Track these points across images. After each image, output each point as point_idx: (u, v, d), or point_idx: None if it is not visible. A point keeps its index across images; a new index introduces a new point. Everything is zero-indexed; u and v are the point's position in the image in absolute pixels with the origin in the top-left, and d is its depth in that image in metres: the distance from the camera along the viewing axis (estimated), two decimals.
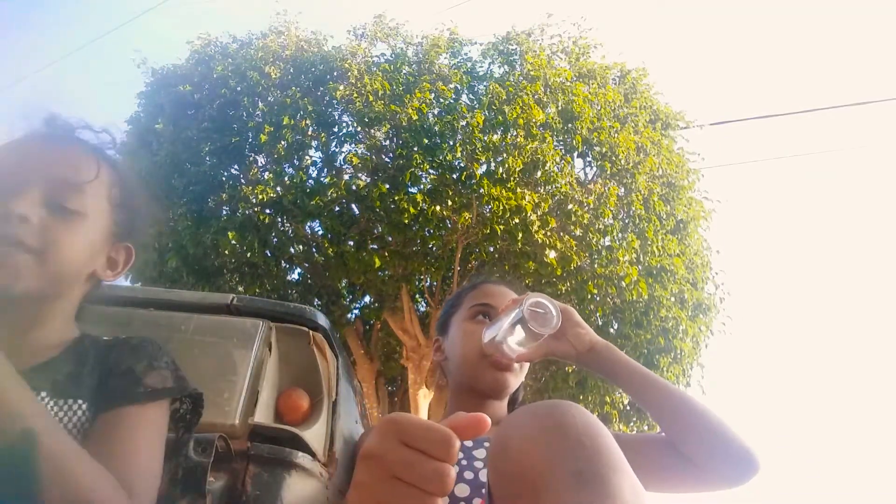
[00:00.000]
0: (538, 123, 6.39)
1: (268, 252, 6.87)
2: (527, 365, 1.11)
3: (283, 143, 6.59)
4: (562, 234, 6.38)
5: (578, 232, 6.42)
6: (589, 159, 7.09)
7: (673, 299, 6.91)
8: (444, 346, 1.19)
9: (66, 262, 0.70)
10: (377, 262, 6.51)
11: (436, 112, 6.72)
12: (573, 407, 0.57)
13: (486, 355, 1.04)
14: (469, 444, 0.92)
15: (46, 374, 0.67)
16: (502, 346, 0.99)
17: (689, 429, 0.89)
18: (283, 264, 7.45)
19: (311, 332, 1.08)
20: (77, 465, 0.55)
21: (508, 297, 1.14)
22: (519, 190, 6.11)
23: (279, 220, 6.80)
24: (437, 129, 6.45)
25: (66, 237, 0.69)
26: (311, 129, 6.75)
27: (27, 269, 0.65)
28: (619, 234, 6.60)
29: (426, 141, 6.32)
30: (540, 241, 6.08)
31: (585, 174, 7.24)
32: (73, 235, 0.70)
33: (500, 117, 6.37)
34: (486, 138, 6.32)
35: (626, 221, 6.81)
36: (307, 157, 7.10)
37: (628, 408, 7.37)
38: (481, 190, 6.05)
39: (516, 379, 1.09)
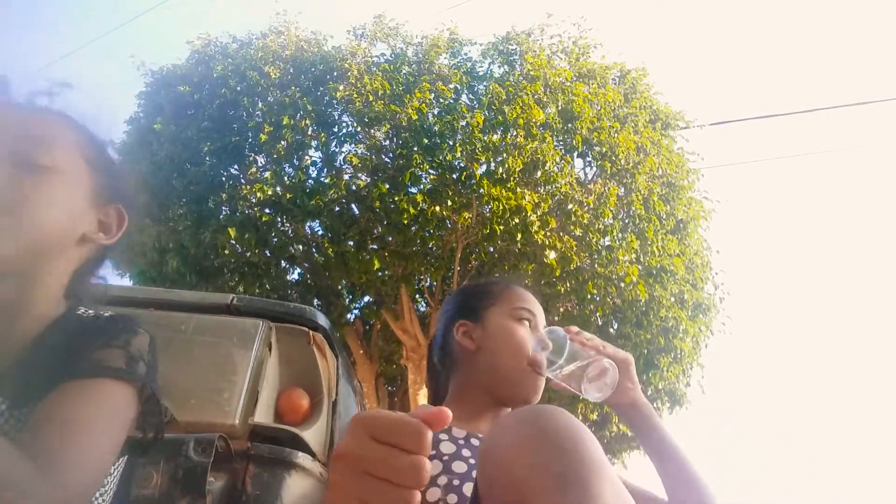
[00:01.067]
0: (538, 123, 6.38)
1: (268, 252, 6.87)
2: None
3: (282, 142, 6.59)
4: (562, 234, 6.37)
5: (578, 232, 6.42)
6: (589, 159, 7.09)
7: (673, 299, 6.91)
8: (475, 335, 1.09)
9: (40, 221, 0.64)
10: (377, 262, 6.51)
11: (436, 112, 6.72)
12: (557, 412, 0.58)
13: (533, 363, 1.01)
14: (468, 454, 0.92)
15: (12, 372, 0.63)
16: (551, 372, 0.97)
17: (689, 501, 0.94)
18: (283, 264, 7.45)
19: (311, 332, 1.08)
20: None
21: (542, 311, 1.13)
22: (519, 190, 6.11)
23: (279, 219, 6.80)
24: (436, 129, 6.45)
25: (41, 194, 0.64)
26: (310, 128, 6.75)
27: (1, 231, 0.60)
28: (619, 234, 6.59)
29: (426, 141, 6.31)
30: (540, 241, 6.08)
31: (585, 174, 7.24)
32: (49, 192, 0.65)
33: (499, 117, 6.37)
34: (485, 138, 6.31)
35: (626, 221, 6.80)
36: (307, 157, 7.09)
37: None
38: (481, 190, 6.05)
39: None
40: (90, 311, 0.73)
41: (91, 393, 0.62)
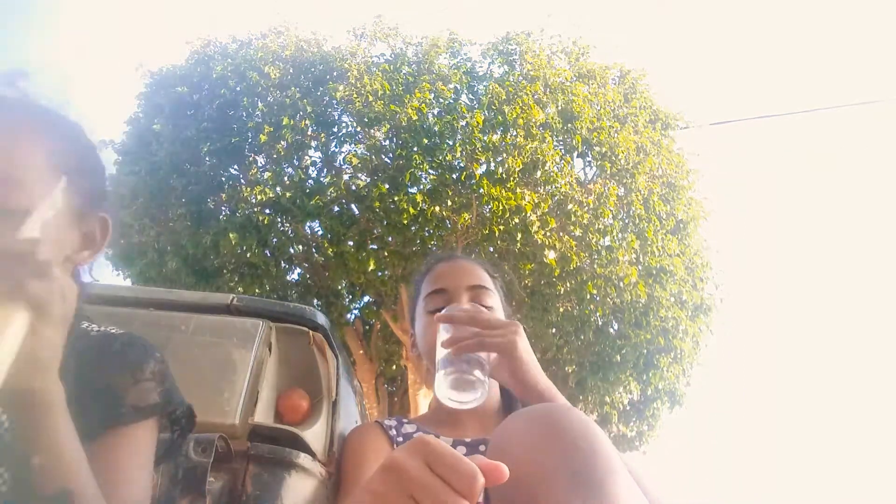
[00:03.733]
0: (538, 123, 6.39)
1: (267, 252, 6.87)
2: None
3: (282, 143, 6.59)
4: (561, 234, 6.38)
5: (578, 232, 6.42)
6: (589, 159, 7.09)
7: (672, 299, 6.92)
8: (416, 342, 1.07)
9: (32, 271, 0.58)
10: (377, 263, 6.51)
11: (435, 112, 6.72)
12: (569, 411, 0.57)
13: None
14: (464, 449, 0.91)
15: None
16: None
17: None
18: (283, 264, 7.45)
19: (311, 332, 1.08)
20: None
21: (463, 273, 1.01)
22: (519, 190, 6.11)
23: (279, 220, 6.80)
24: (436, 129, 6.45)
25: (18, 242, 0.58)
26: (310, 129, 6.75)
27: None
28: (619, 235, 6.60)
29: (426, 141, 6.32)
30: (539, 241, 6.08)
31: (585, 174, 7.24)
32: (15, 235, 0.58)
33: (499, 117, 6.37)
34: (485, 138, 6.31)
35: (626, 221, 6.81)
36: (307, 158, 7.10)
37: (628, 408, 7.38)
38: (481, 190, 6.05)
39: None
40: (94, 326, 0.72)
41: (135, 439, 0.65)
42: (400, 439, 0.93)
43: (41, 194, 0.59)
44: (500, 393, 1.02)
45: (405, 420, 1.01)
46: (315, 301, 7.39)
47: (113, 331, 0.72)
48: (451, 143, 6.40)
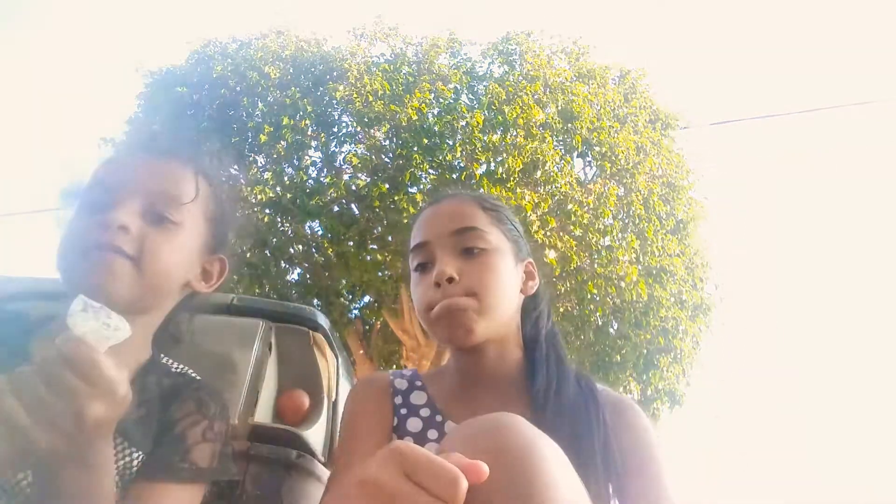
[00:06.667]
0: (538, 123, 6.39)
1: (267, 252, 6.87)
2: (493, 295, 0.82)
3: (282, 143, 6.59)
4: (561, 234, 6.38)
5: (578, 232, 6.42)
6: (589, 159, 7.09)
7: (672, 299, 6.92)
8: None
9: (161, 271, 0.71)
10: (377, 262, 6.51)
11: (435, 112, 6.72)
12: (517, 425, 0.53)
13: (433, 307, 0.82)
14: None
15: None
16: None
17: None
18: (283, 264, 7.45)
19: (311, 332, 1.08)
20: None
21: (445, 218, 0.87)
22: (518, 190, 6.11)
23: (279, 220, 6.80)
24: (436, 129, 6.45)
25: (163, 246, 0.71)
26: (310, 129, 6.75)
27: (125, 274, 0.67)
28: (619, 234, 6.60)
29: (426, 141, 6.32)
30: (539, 241, 6.08)
31: (585, 174, 7.24)
32: (169, 245, 0.71)
33: (499, 117, 6.37)
34: (485, 138, 6.32)
35: (626, 221, 6.81)
36: (307, 158, 7.10)
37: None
38: (481, 190, 6.05)
39: (484, 321, 0.81)
40: (173, 364, 0.78)
41: (186, 496, 0.67)
42: (404, 411, 0.84)
43: (191, 222, 0.74)
44: (521, 355, 0.88)
45: (419, 383, 0.89)
46: (315, 301, 7.39)
47: (192, 374, 0.78)
48: (451, 143, 6.40)
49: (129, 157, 0.78)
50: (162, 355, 0.78)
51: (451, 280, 0.81)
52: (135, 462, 0.66)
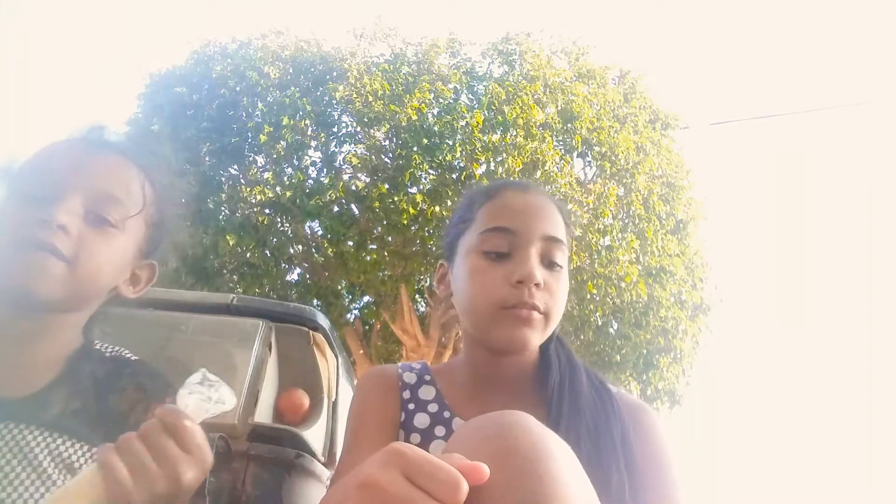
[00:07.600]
0: (537, 123, 6.39)
1: (267, 252, 6.87)
2: (557, 316, 0.81)
3: (282, 143, 6.59)
4: None
5: (578, 232, 6.41)
6: (588, 159, 7.10)
7: (672, 300, 6.92)
8: (449, 278, 0.88)
9: (95, 275, 0.69)
10: (377, 263, 6.51)
11: (435, 112, 6.72)
12: (523, 423, 0.52)
13: (508, 307, 0.77)
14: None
15: (42, 401, 0.66)
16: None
17: None
18: (283, 264, 7.45)
19: (311, 332, 1.08)
20: None
21: (539, 217, 0.82)
22: None
23: (278, 220, 6.80)
24: (436, 129, 6.45)
25: (101, 250, 0.68)
26: (310, 129, 6.75)
27: (57, 277, 0.65)
28: (619, 234, 6.60)
29: (426, 141, 6.32)
30: None
31: (585, 174, 7.24)
32: (106, 249, 0.69)
33: (499, 117, 6.38)
34: (485, 138, 6.32)
35: (626, 221, 6.81)
36: (306, 158, 7.10)
37: None
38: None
39: (542, 335, 0.79)
40: (107, 347, 0.77)
41: None
42: (412, 406, 0.83)
43: (131, 228, 0.72)
44: (536, 355, 0.85)
45: (428, 377, 0.87)
46: (315, 301, 7.39)
47: (127, 355, 0.77)
48: (450, 143, 6.40)
49: (74, 147, 0.72)
50: (95, 342, 0.76)
51: (537, 286, 0.78)
52: (83, 457, 0.65)
